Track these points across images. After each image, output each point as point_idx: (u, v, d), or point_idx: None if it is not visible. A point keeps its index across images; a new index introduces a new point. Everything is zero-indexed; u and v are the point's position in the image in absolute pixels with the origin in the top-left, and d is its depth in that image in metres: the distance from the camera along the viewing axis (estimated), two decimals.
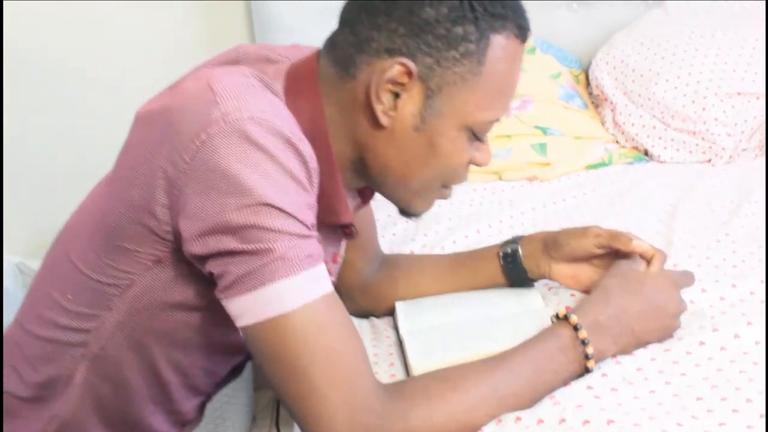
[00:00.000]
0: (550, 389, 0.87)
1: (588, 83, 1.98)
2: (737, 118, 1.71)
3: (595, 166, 1.72)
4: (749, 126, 1.72)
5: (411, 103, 0.86)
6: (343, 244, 1.04)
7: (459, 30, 0.84)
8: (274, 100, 0.84)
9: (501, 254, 1.10)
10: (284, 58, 0.95)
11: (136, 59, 1.95)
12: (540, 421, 0.82)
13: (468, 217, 1.47)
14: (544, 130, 1.76)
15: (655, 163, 1.74)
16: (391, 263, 1.18)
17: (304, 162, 0.80)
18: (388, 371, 0.98)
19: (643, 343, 0.95)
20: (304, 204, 0.80)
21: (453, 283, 1.14)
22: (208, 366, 0.98)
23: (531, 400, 0.86)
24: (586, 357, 0.89)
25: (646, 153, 1.78)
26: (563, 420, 0.82)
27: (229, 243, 0.77)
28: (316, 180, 0.83)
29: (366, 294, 1.15)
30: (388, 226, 1.42)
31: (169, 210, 0.81)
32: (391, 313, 1.14)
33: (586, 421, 0.81)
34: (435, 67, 0.85)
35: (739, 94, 1.73)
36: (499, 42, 0.86)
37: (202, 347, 0.94)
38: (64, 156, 1.98)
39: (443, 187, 0.95)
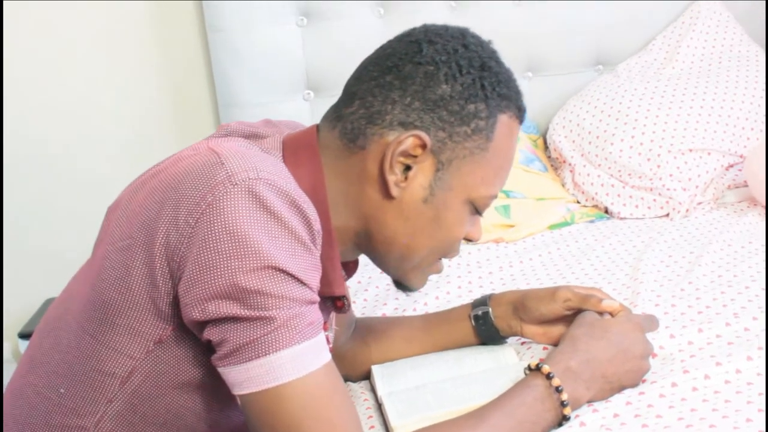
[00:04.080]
0: None
1: (546, 147, 2.03)
2: (691, 174, 1.76)
3: (558, 226, 1.75)
4: (702, 180, 1.77)
5: (422, 175, 0.88)
6: (333, 315, 1.02)
7: (471, 107, 0.87)
8: (276, 162, 0.84)
9: (472, 316, 1.11)
10: (270, 132, 0.95)
11: (119, 139, 1.98)
12: None
13: (437, 279, 1.48)
14: (507, 193, 1.79)
15: (615, 220, 1.77)
16: (364, 328, 1.18)
17: (308, 223, 0.80)
18: None
19: (617, 388, 0.96)
20: (310, 266, 0.80)
21: (426, 345, 1.14)
22: None
23: None
24: (562, 404, 0.90)
25: (606, 211, 1.81)
26: None
27: (231, 308, 0.75)
28: (319, 242, 0.83)
29: (341, 360, 1.11)
30: (359, 292, 1.44)
31: (171, 278, 0.79)
32: (366, 377, 1.14)
33: None
34: (447, 141, 0.87)
35: (690, 150, 1.78)
36: (504, 121, 0.90)
37: None
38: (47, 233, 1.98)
39: (437, 260, 0.96)
